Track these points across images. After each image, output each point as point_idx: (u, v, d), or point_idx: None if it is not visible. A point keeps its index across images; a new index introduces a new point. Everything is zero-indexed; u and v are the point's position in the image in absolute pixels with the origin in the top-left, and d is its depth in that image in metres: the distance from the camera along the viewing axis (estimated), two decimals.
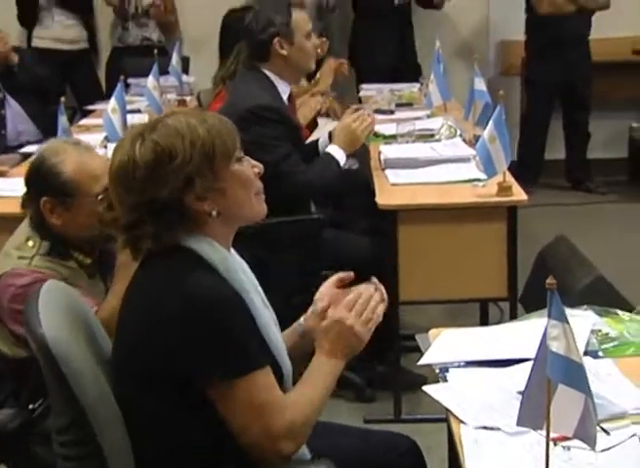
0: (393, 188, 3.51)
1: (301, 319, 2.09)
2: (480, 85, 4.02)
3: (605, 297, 3.22)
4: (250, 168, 1.92)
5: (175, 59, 5.33)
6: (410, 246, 3.34)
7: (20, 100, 4.83)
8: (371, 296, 1.92)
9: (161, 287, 1.79)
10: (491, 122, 3.22)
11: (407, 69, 6.14)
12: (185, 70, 6.05)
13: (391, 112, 4.93)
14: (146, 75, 4.85)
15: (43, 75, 5.20)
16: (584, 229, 5.53)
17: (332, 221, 3.75)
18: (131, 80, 5.57)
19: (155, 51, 5.13)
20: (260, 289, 1.98)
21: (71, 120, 5.52)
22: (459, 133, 4.10)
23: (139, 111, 4.93)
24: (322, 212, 3.78)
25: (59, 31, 6.47)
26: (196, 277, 1.78)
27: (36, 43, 6.48)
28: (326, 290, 2.06)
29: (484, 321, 3.90)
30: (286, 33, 3.47)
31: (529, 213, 5.91)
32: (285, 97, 3.55)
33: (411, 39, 6.41)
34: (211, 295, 1.76)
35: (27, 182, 2.55)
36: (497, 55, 6.97)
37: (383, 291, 1.97)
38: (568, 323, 1.46)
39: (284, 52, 3.48)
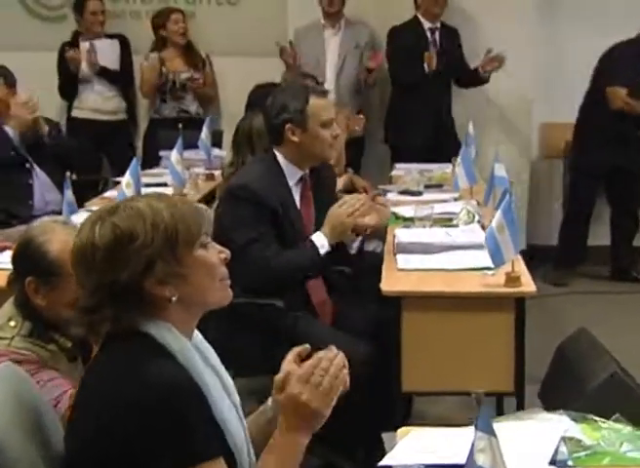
0: (399, 274, 3.41)
1: (269, 400, 2.01)
2: (500, 171, 3.94)
3: (621, 393, 3.09)
4: (216, 254, 1.89)
5: (204, 133, 5.32)
6: (414, 334, 3.25)
7: (47, 170, 4.84)
8: (330, 362, 1.84)
9: (119, 373, 1.76)
10: (499, 211, 3.13)
11: (447, 146, 6.04)
12: (219, 144, 6.06)
13: (419, 193, 4.85)
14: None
15: (75, 146, 5.22)
16: (622, 318, 5.37)
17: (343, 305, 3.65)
18: (163, 152, 5.58)
19: (180, 124, 5.13)
20: (223, 372, 1.92)
21: (102, 191, 5.56)
22: (477, 218, 4.00)
23: (165, 184, 4.92)
24: (339, 296, 3.69)
25: (98, 102, 6.53)
26: (155, 364, 1.75)
27: (75, 113, 6.55)
28: (286, 366, 1.95)
29: (499, 413, 3.74)
30: (299, 120, 3.38)
31: (566, 300, 5.80)
32: (293, 182, 3.46)
33: (449, 117, 6.34)
34: (170, 384, 1.72)
35: (14, 262, 2.52)
36: (539, 137, 6.88)
37: (342, 356, 1.89)
38: (495, 436, 1.40)
39: (295, 138, 3.40)
